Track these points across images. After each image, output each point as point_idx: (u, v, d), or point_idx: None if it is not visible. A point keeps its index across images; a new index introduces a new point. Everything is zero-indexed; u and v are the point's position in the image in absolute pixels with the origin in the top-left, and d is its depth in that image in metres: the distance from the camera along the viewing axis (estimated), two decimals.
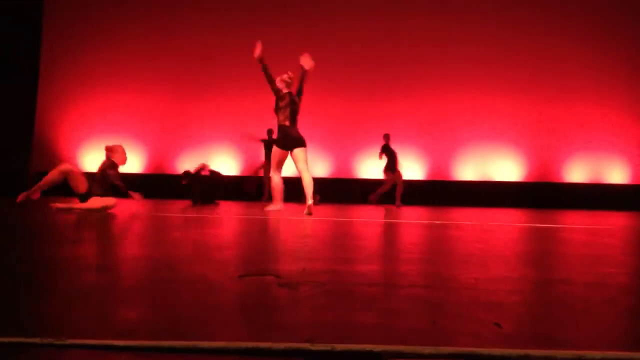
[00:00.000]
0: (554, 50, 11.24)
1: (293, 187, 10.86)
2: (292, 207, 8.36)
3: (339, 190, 10.82)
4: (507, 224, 5.25)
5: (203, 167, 9.04)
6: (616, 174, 10.95)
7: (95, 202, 5.68)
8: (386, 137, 9.86)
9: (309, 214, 5.96)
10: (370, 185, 10.92)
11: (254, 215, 5.83)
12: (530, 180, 10.68)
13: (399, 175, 9.85)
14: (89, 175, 5.85)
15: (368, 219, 5.70)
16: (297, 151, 6.49)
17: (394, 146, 9.91)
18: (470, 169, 9.70)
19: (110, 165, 5.90)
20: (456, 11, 11.56)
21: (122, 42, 12.18)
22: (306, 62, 6.40)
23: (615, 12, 11.32)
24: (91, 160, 11.21)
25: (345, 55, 11.57)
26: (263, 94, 11.97)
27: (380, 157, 9.75)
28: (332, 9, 11.79)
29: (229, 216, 5.73)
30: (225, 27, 11.93)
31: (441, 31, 11.50)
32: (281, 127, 6.59)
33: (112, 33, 12.23)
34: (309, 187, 6.38)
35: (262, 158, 10.30)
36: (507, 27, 11.40)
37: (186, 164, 11.47)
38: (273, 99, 6.53)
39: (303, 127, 11.55)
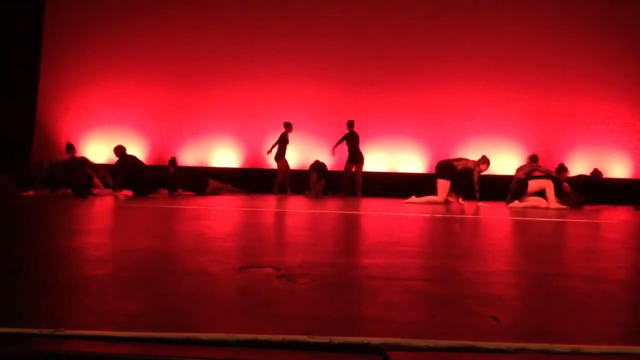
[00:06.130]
0: (556, 44, 11.18)
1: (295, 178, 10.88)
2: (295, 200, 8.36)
3: (340, 183, 10.81)
4: (508, 218, 5.25)
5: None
6: (618, 168, 10.93)
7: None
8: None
9: None
10: (374, 178, 10.92)
11: (255, 208, 5.84)
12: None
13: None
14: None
15: (367, 211, 5.71)
16: None
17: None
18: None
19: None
20: (457, 5, 11.49)
21: (124, 34, 12.14)
22: None
23: (617, 6, 11.24)
24: (92, 151, 11.21)
25: (345, 49, 11.53)
26: (265, 85, 11.98)
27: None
28: (334, 3, 11.74)
29: (230, 208, 5.74)
30: (227, 19, 11.89)
31: (442, 25, 11.44)
32: None
33: (114, 24, 12.18)
34: None
35: None
36: (508, 21, 11.33)
37: (188, 155, 11.46)
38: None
39: (305, 122, 11.58)
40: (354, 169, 10.26)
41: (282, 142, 10.28)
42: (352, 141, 10.16)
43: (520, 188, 8.02)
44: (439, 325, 1.18)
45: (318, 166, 10.25)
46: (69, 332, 1.02)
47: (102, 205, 5.46)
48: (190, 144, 11.73)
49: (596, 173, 8.96)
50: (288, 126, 10.36)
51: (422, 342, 1.02)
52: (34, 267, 1.83)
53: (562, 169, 8.66)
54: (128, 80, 12.05)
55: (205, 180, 9.59)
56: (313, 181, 10.13)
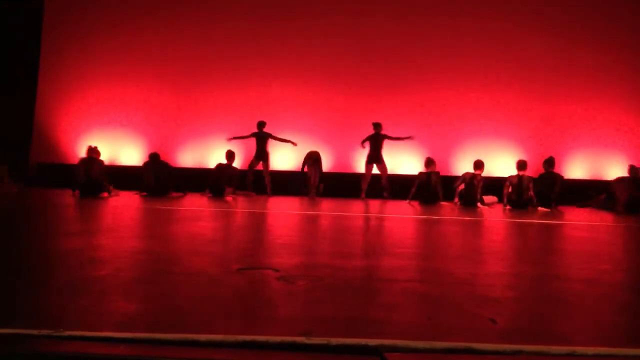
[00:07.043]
0: (556, 45, 11.19)
1: (286, 180, 10.88)
2: (291, 200, 8.36)
3: (340, 185, 10.79)
4: (505, 220, 5.26)
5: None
6: (616, 171, 10.93)
7: None
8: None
9: None
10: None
11: (254, 209, 5.84)
12: (532, 176, 10.69)
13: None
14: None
15: (366, 213, 5.71)
16: None
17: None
18: (471, 165, 9.66)
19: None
20: (458, 7, 11.50)
21: (124, 34, 12.12)
22: None
23: (616, 8, 11.25)
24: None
25: (344, 51, 11.52)
26: (262, 87, 11.98)
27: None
28: (333, 3, 11.75)
29: (230, 210, 5.74)
30: (227, 20, 11.88)
31: (442, 26, 11.44)
32: None
33: (114, 24, 12.16)
34: None
35: None
36: (509, 22, 11.34)
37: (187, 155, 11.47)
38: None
39: (305, 123, 11.58)
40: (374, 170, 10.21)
41: (264, 140, 10.32)
42: (370, 142, 10.15)
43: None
44: (436, 326, 1.19)
45: (313, 157, 10.10)
46: (68, 333, 1.02)
47: (104, 206, 5.46)
48: (189, 145, 11.72)
49: (633, 169, 8.66)
50: (262, 124, 10.39)
51: (419, 344, 1.02)
52: (34, 267, 1.84)
53: (550, 162, 8.84)
54: (127, 80, 12.03)
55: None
56: (310, 178, 10.02)
